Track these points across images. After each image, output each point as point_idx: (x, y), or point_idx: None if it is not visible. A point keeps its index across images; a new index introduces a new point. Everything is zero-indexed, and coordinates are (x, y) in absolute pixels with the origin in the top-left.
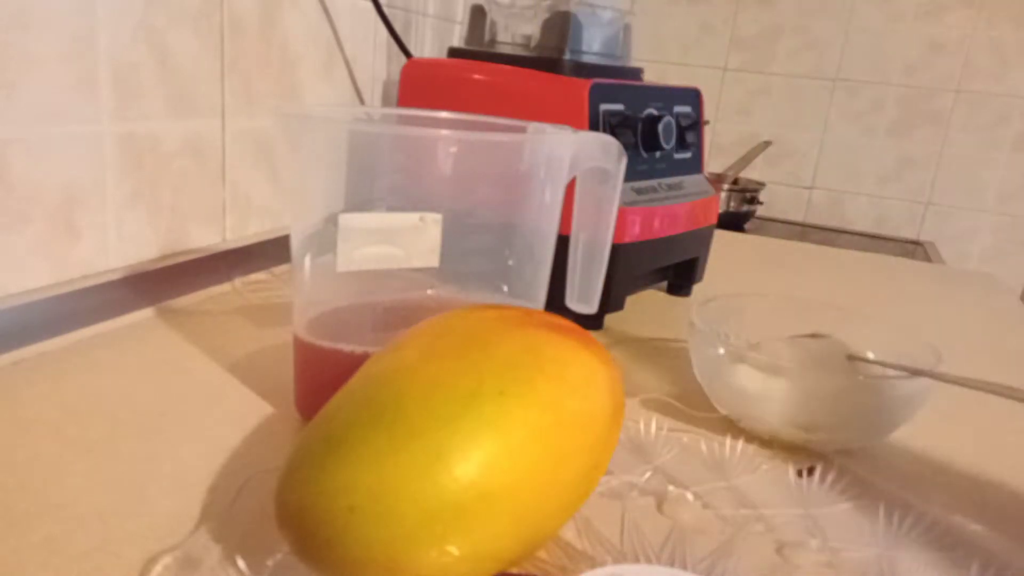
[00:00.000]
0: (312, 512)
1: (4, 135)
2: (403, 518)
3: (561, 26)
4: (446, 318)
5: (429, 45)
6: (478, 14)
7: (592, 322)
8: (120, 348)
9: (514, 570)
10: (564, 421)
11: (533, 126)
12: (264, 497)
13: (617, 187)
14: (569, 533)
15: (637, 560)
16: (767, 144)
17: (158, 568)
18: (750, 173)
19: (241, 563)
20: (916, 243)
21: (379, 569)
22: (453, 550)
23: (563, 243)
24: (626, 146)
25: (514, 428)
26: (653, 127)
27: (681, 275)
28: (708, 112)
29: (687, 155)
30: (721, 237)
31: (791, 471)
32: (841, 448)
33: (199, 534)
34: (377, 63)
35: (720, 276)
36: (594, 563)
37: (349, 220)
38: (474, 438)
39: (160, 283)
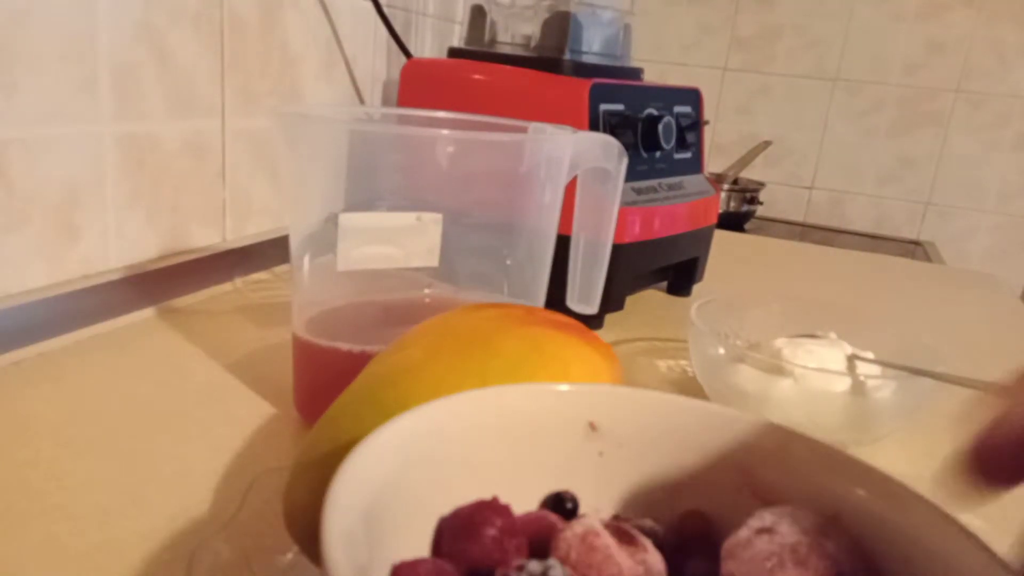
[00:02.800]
0: (321, 512)
1: (4, 135)
2: None
3: (561, 26)
4: (449, 317)
5: (429, 45)
6: (478, 14)
7: (592, 322)
8: (120, 348)
9: None
10: None
11: (533, 126)
12: (271, 497)
13: (618, 187)
14: None
15: None
16: (767, 144)
17: (167, 569)
18: (750, 173)
19: (252, 563)
20: (916, 243)
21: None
22: None
23: (563, 243)
24: (626, 146)
25: None
26: (653, 127)
27: (681, 275)
28: (708, 112)
29: (687, 155)
30: (721, 237)
31: None
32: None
33: (207, 534)
34: (377, 63)
35: (720, 276)
36: None
37: (349, 220)
38: None
39: (160, 283)
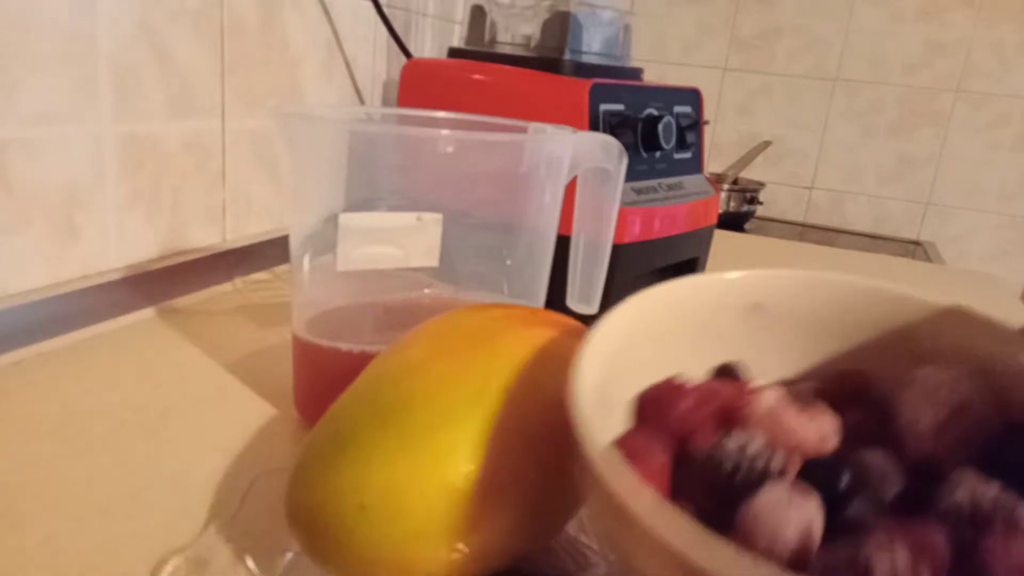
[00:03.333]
0: (323, 510)
1: (4, 135)
2: (413, 516)
3: (561, 26)
4: (452, 317)
5: (429, 45)
6: (478, 14)
7: (593, 322)
8: (120, 348)
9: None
10: None
11: (533, 126)
12: (271, 497)
13: (618, 187)
14: (576, 527)
15: None
16: (767, 144)
17: (168, 569)
18: (750, 173)
19: (251, 563)
20: (916, 243)
21: (390, 567)
22: (463, 547)
23: (563, 243)
24: (626, 146)
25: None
26: (653, 127)
27: (681, 275)
28: (708, 112)
29: (687, 155)
30: (721, 237)
31: None
32: None
33: (207, 535)
34: (377, 63)
35: None
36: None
37: (349, 220)
38: (482, 436)
39: (160, 283)
